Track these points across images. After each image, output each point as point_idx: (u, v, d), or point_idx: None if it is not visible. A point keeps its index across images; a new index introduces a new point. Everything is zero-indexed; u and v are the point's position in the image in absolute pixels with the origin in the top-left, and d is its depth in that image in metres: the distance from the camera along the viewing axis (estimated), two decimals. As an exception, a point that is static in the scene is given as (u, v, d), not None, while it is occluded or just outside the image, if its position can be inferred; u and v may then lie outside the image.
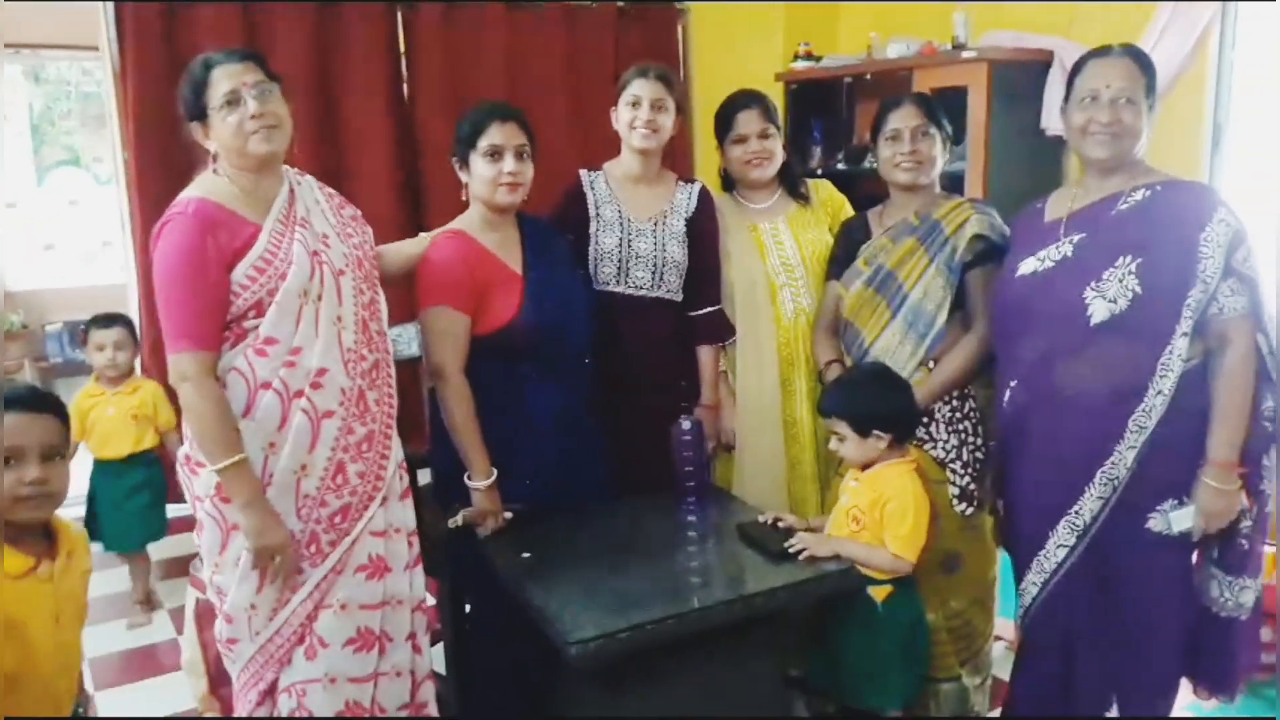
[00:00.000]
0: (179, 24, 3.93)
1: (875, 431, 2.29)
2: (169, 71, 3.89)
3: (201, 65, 2.07)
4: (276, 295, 2.03)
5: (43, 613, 1.70)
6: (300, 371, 2.05)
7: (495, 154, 2.38)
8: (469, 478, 2.38)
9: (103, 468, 3.55)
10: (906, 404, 2.37)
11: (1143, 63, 2.19)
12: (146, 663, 3.27)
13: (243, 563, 2.07)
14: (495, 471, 2.38)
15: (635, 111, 2.62)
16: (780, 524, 2.33)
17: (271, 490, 2.06)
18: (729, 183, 2.90)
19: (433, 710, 2.39)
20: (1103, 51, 2.22)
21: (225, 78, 2.04)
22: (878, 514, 2.26)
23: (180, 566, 3.86)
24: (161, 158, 3.88)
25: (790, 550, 2.20)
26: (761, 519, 2.37)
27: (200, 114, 2.07)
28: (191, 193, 2.08)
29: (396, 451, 2.26)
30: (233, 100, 2.02)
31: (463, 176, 2.46)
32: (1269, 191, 3.25)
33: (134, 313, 4.16)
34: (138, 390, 3.54)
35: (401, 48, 4.42)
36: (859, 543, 2.28)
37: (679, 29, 5.07)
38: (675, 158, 4.43)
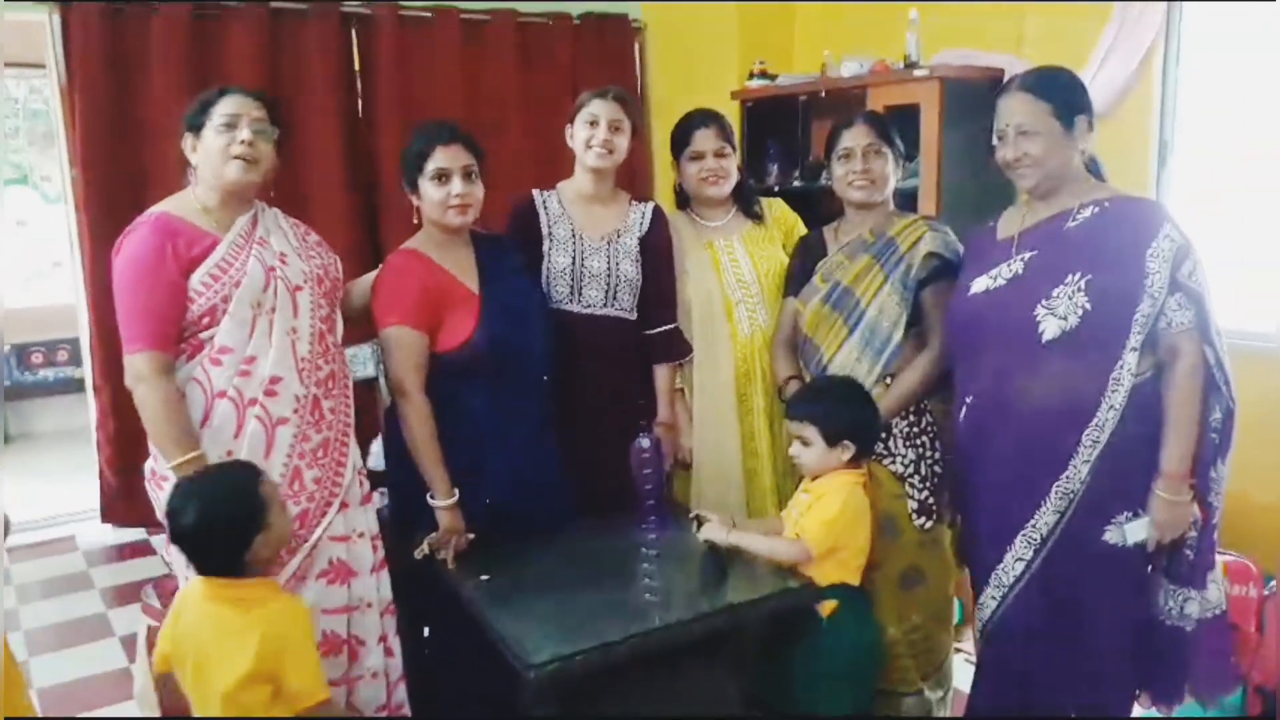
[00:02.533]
0: (126, 42, 3.88)
1: (844, 441, 2.31)
2: (116, 89, 3.84)
3: (218, 90, 2.20)
4: (230, 304, 2.10)
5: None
6: (254, 380, 2.12)
7: (442, 177, 2.38)
8: (432, 497, 2.36)
9: None
10: (874, 417, 2.40)
11: (1041, 90, 2.19)
12: (98, 692, 3.19)
13: None
14: (457, 491, 2.36)
15: (592, 131, 2.62)
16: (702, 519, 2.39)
17: None
18: (684, 200, 2.91)
19: (409, 711, 2.43)
20: (1004, 89, 2.27)
21: (233, 105, 2.16)
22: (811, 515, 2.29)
23: (132, 592, 3.79)
24: (109, 175, 3.83)
25: (701, 538, 2.33)
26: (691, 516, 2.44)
27: (198, 127, 2.17)
28: (158, 207, 2.17)
29: (354, 458, 2.31)
30: (230, 124, 2.14)
31: (413, 200, 2.45)
32: (1214, 206, 3.32)
33: (84, 333, 4.09)
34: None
35: (356, 64, 4.41)
36: (757, 536, 2.33)
37: (635, 45, 5.10)
38: (634, 178, 4.45)
